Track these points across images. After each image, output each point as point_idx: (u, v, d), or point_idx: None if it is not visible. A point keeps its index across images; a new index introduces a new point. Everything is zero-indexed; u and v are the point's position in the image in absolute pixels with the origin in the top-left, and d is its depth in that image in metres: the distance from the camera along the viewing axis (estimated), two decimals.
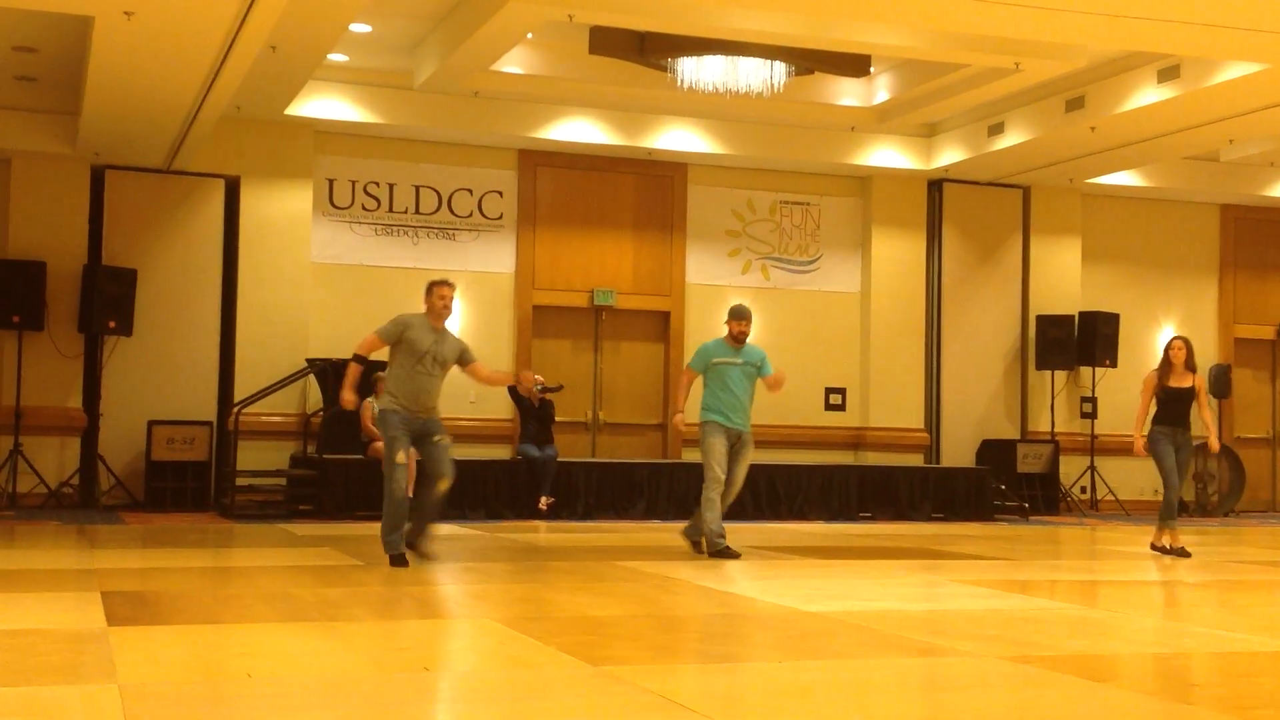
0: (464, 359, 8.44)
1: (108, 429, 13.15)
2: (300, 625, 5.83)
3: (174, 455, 12.86)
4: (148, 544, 9.89)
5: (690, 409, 9.38)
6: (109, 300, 12.78)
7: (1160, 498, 10.15)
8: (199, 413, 13.28)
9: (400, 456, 8.07)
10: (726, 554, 8.97)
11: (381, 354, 8.45)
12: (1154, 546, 10.08)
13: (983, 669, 5.01)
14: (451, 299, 8.43)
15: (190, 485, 12.90)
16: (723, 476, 9.03)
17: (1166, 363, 10.04)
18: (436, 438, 8.21)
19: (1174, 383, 9.98)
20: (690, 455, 14.65)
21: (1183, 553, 9.85)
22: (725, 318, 9.48)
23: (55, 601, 6.47)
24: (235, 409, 12.69)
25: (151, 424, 12.84)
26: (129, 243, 13.37)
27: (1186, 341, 10.13)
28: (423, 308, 8.41)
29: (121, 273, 12.97)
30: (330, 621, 5.97)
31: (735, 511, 13.24)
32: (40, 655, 4.94)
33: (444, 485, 8.22)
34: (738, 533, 11.40)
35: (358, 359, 8.27)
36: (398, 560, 8.10)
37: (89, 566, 7.93)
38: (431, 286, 8.42)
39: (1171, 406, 9.99)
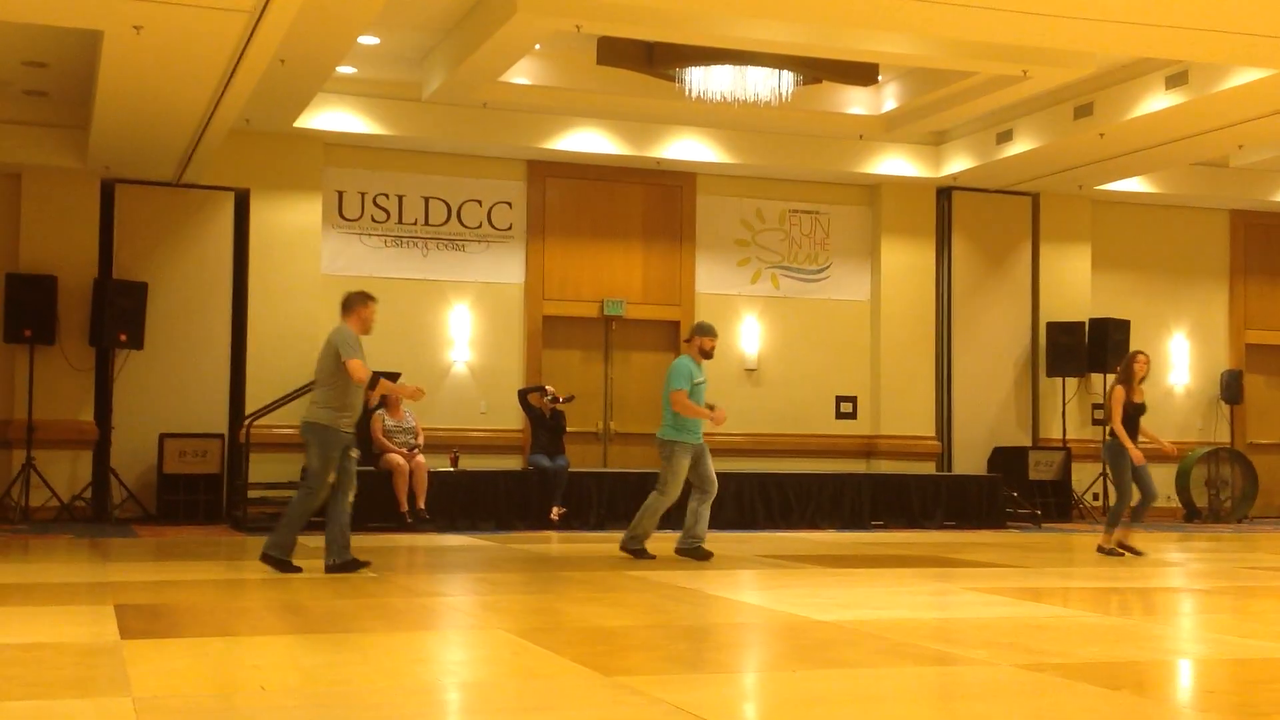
0: None
1: (119, 442, 13.18)
2: (313, 637, 5.83)
3: (186, 468, 12.89)
4: (160, 557, 9.91)
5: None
6: (120, 314, 12.81)
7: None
8: (210, 425, 13.31)
9: (332, 477, 8.19)
10: (643, 555, 9.46)
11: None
12: (1113, 548, 10.31)
13: (997, 677, 4.99)
14: None
15: (202, 498, 12.93)
16: (676, 496, 9.49)
17: (1131, 376, 10.27)
18: (353, 452, 8.40)
19: (1138, 398, 10.30)
20: None
21: (1135, 551, 10.27)
22: (694, 333, 9.67)
23: (68, 615, 6.47)
24: (247, 421, 12.71)
25: (163, 437, 12.87)
26: (139, 256, 13.41)
27: (1149, 358, 10.56)
28: (353, 320, 8.40)
29: (132, 286, 13.00)
30: (343, 633, 5.97)
31: (747, 520, 13.32)
32: (53, 668, 4.95)
33: (353, 496, 8.37)
34: (750, 542, 11.40)
35: (377, 374, 8.40)
36: (295, 568, 8.22)
37: (102, 580, 7.94)
38: (368, 300, 8.42)
39: (1135, 421, 10.27)
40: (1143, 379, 10.38)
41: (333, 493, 8.30)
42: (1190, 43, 10.25)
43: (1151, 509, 10.49)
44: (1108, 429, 10.45)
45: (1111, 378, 15.46)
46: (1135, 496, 10.27)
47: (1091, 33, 10.12)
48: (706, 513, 9.55)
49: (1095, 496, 15.66)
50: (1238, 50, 10.44)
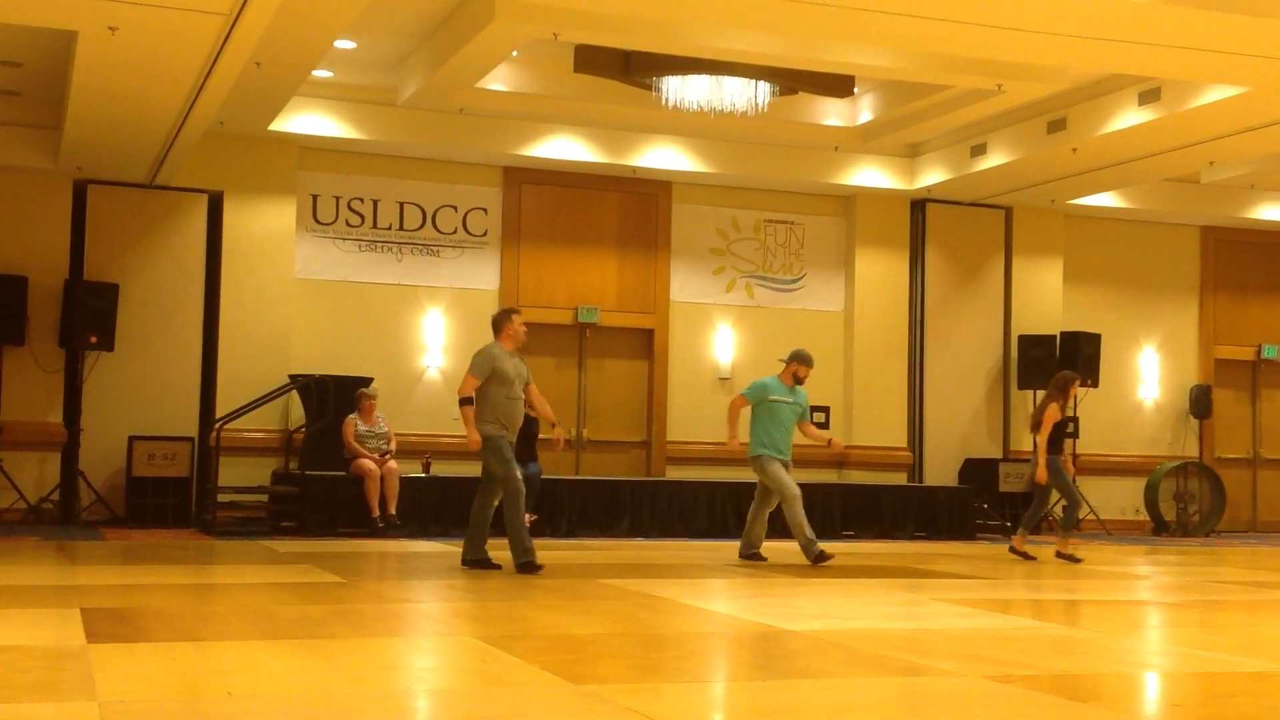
0: (528, 382, 9.23)
1: (88, 444, 13.08)
2: (281, 643, 5.80)
3: (155, 471, 12.81)
4: (128, 560, 9.84)
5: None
6: (90, 315, 12.73)
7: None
8: (180, 428, 13.23)
9: (519, 472, 9.01)
10: (824, 557, 10.01)
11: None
12: (1061, 554, 11.18)
13: (965, 688, 5.02)
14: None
15: (171, 501, 12.84)
16: (798, 492, 10.08)
17: (1066, 395, 11.19)
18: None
19: (1067, 414, 11.38)
20: (674, 473, 14.66)
21: (1028, 556, 11.16)
22: (790, 359, 10.36)
23: (34, 618, 6.42)
24: (217, 425, 12.64)
25: (133, 439, 12.78)
26: (111, 257, 13.33)
27: None
28: (503, 338, 9.08)
29: (103, 288, 12.93)
30: (311, 639, 5.95)
31: (719, 529, 13.32)
32: (19, 672, 4.91)
33: (497, 503, 9.16)
34: (721, 550, 11.41)
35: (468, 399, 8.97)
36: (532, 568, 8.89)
37: (69, 583, 7.89)
38: (512, 315, 9.14)
39: (1063, 435, 11.28)
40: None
41: (481, 495, 9.10)
42: (1163, 60, 10.33)
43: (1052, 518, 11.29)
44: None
45: (1083, 391, 15.62)
46: (1043, 507, 11.46)
47: (1066, 48, 10.19)
48: (766, 518, 10.33)
49: (1065, 509, 15.72)
50: (1210, 68, 10.53)
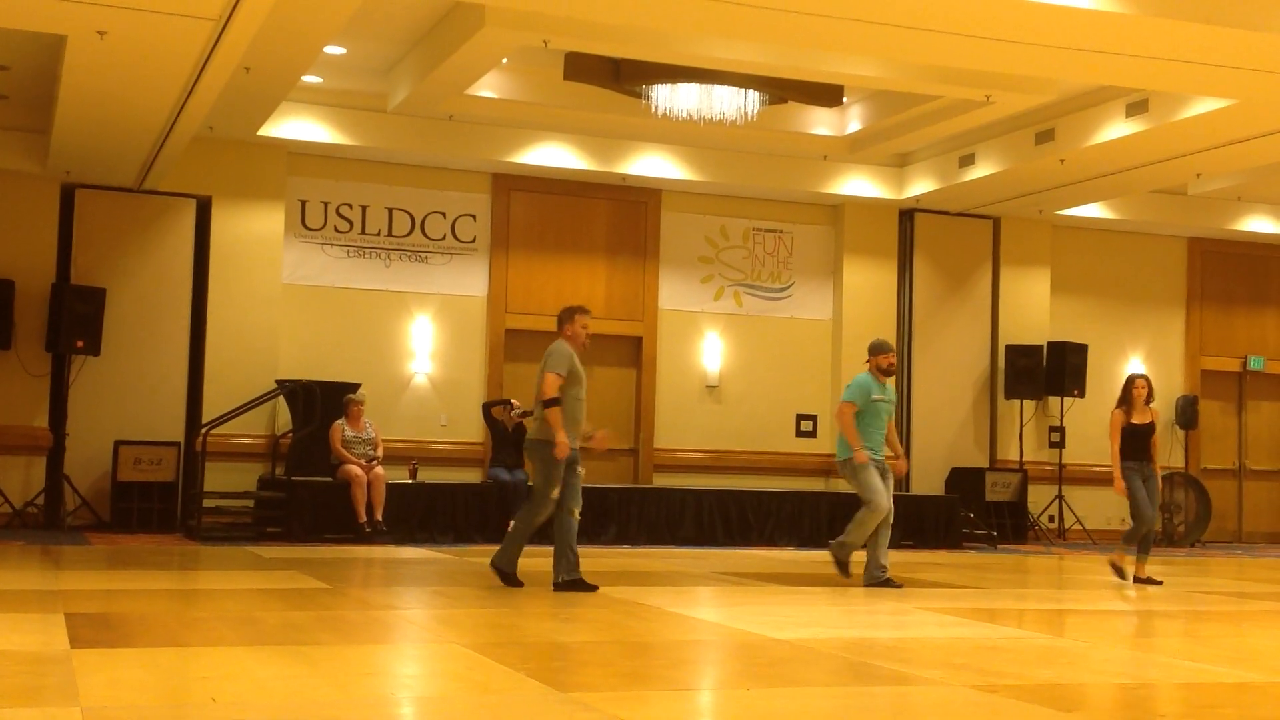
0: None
1: (74, 449, 13.04)
2: (266, 649, 5.78)
3: (141, 476, 12.77)
4: (113, 565, 9.81)
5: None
6: (77, 319, 12.70)
7: (1127, 528, 10.30)
8: (167, 433, 13.20)
9: (557, 492, 8.22)
10: (844, 571, 9.43)
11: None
12: (1137, 579, 10.15)
13: (950, 698, 5.02)
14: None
15: (157, 506, 12.81)
16: (885, 505, 9.20)
17: (1129, 400, 10.27)
18: (580, 469, 8.40)
19: (1138, 419, 10.26)
20: (662, 481, 14.65)
21: (1152, 580, 10.10)
22: (869, 353, 9.43)
23: (18, 623, 6.39)
24: (203, 430, 12.61)
25: (118, 444, 12.75)
26: (98, 262, 13.30)
27: (1148, 379, 10.42)
28: (566, 336, 8.41)
29: (90, 292, 12.89)
30: (296, 646, 5.93)
31: (706, 537, 13.32)
32: (1, 677, 4.89)
33: (579, 512, 8.36)
34: (708, 559, 11.41)
35: (556, 399, 8.24)
36: (519, 583, 8.31)
37: (53, 587, 7.86)
38: (574, 314, 8.46)
39: (1136, 442, 10.22)
40: (1147, 399, 10.30)
41: (558, 509, 8.26)
42: (1151, 72, 10.38)
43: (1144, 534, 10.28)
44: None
45: (1070, 400, 15.71)
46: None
47: (1054, 60, 10.23)
48: (885, 538, 9.33)
49: (1051, 518, 15.78)
50: (1197, 80, 10.58)
